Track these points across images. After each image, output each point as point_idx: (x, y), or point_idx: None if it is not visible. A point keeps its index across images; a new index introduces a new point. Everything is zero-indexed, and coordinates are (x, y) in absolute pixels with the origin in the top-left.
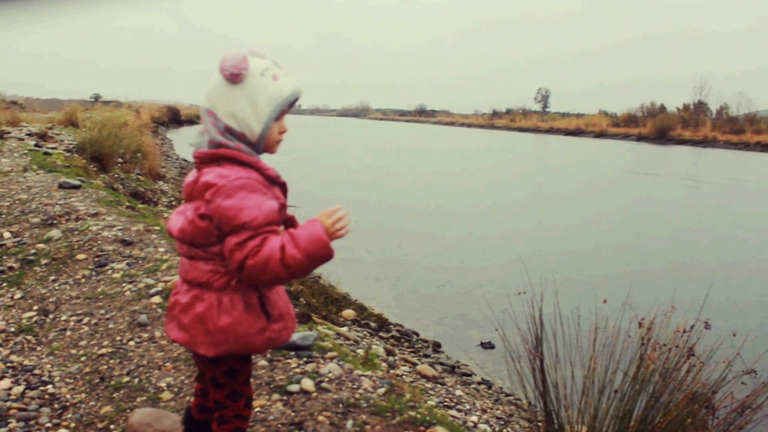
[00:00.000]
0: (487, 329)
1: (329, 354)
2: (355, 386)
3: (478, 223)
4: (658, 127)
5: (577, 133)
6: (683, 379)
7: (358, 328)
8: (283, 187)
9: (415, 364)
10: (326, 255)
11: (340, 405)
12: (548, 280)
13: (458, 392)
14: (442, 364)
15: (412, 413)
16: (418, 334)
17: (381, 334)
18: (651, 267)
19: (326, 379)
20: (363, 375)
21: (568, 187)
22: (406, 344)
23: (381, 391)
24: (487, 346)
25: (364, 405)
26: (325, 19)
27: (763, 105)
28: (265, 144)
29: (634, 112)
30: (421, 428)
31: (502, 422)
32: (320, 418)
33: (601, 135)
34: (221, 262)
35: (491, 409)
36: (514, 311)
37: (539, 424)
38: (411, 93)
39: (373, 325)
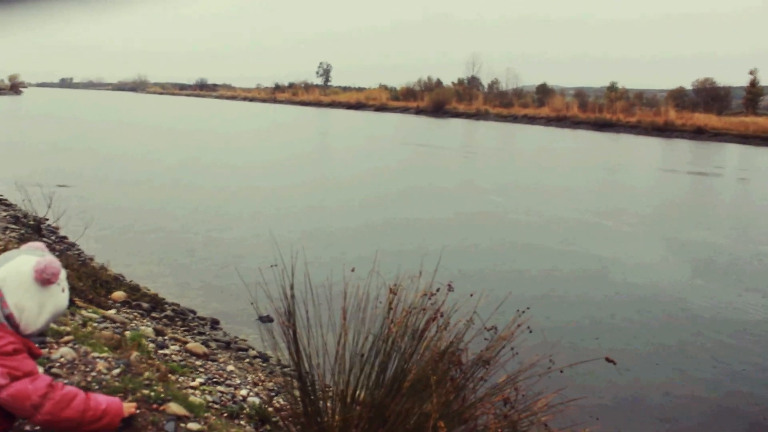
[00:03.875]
0: (263, 303)
1: (65, 338)
2: (88, 369)
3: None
4: (434, 101)
5: (358, 106)
6: (430, 338)
7: (129, 310)
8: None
9: (185, 343)
10: None
11: None
12: (305, 246)
13: (230, 367)
14: (216, 340)
15: (146, 392)
16: (195, 312)
17: (153, 314)
18: (403, 236)
19: (57, 364)
20: (99, 357)
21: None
22: (179, 323)
23: (116, 371)
24: (266, 319)
25: (96, 387)
26: None
27: (528, 81)
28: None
29: (413, 86)
30: (154, 406)
31: (273, 393)
32: None
33: (381, 108)
34: None
35: (263, 381)
36: (270, 283)
37: (296, 392)
38: (191, 66)
39: (145, 305)
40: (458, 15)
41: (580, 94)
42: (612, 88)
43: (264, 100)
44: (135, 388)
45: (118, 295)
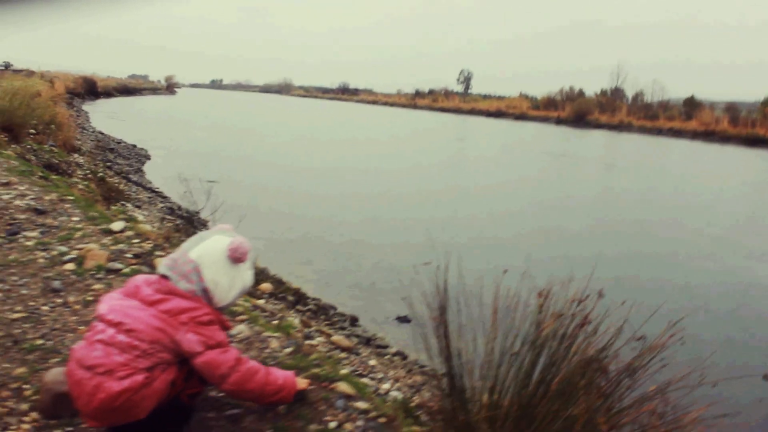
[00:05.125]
0: (403, 303)
1: (240, 317)
2: (263, 346)
3: (395, 200)
4: (576, 111)
5: (498, 114)
6: (579, 344)
7: (276, 301)
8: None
9: (330, 335)
10: None
11: None
12: (454, 250)
13: (372, 362)
14: (357, 336)
15: (317, 370)
16: (335, 308)
17: (298, 307)
18: (556, 243)
19: (235, 340)
20: (271, 336)
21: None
22: (323, 317)
23: (288, 350)
24: (403, 320)
25: (272, 362)
26: None
27: (675, 93)
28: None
29: (554, 96)
30: (325, 384)
31: (414, 390)
32: None
33: (521, 117)
34: (139, 357)
35: (404, 378)
36: (422, 282)
37: (444, 388)
38: (334, 71)
39: (290, 298)
40: (608, 21)
41: (732, 108)
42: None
43: (404, 106)
44: (306, 367)
45: (266, 286)
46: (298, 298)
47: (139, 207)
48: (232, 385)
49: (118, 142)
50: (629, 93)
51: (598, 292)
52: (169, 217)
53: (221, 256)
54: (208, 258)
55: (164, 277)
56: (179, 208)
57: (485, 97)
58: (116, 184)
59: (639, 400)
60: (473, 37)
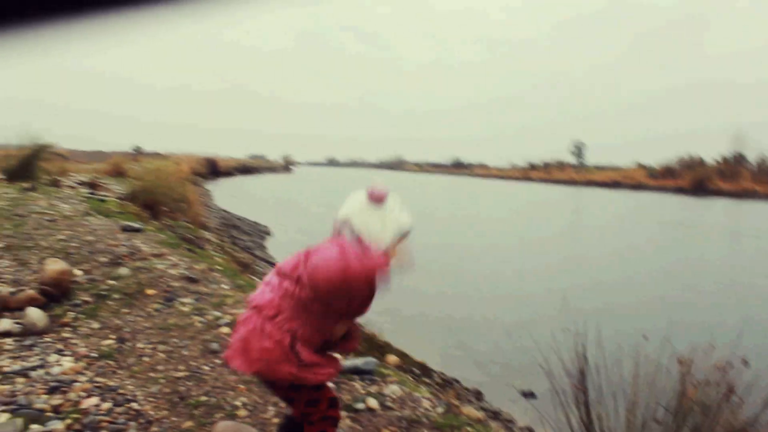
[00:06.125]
0: (528, 378)
1: (390, 378)
2: (415, 405)
3: (514, 275)
4: (695, 179)
5: (613, 185)
6: (724, 415)
7: (403, 373)
8: None
9: (458, 407)
10: None
11: (404, 421)
12: (585, 318)
13: None
14: (484, 409)
15: (470, 429)
16: (459, 382)
17: (424, 379)
18: (691, 308)
19: (389, 399)
20: (423, 397)
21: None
22: (449, 390)
23: (440, 410)
24: (528, 395)
25: (425, 421)
26: (358, 77)
27: None
28: None
29: (671, 165)
30: None
31: None
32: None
33: (638, 187)
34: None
35: None
36: (557, 348)
37: None
38: (444, 146)
39: (416, 371)
40: (722, 79)
41: None
42: None
43: (517, 179)
44: (459, 425)
45: (392, 359)
46: (423, 371)
47: None
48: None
49: (240, 219)
50: (751, 157)
51: (741, 359)
52: None
53: (363, 201)
54: (352, 209)
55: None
56: None
57: (599, 168)
58: (243, 259)
59: None
60: (584, 107)
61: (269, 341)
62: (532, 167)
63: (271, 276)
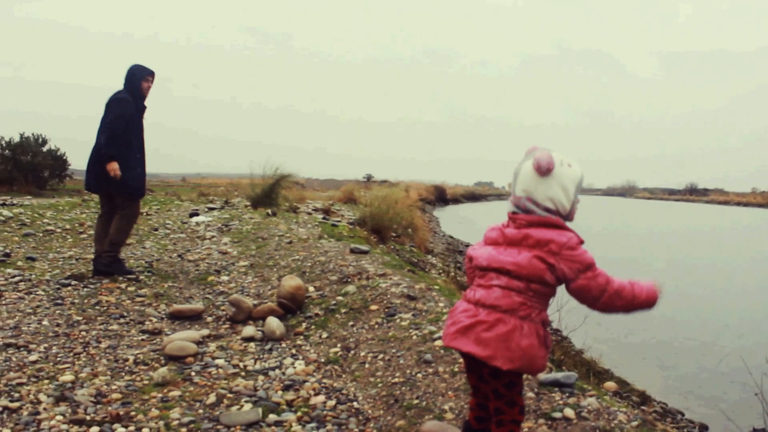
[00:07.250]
0: (759, 416)
1: (589, 393)
2: (610, 418)
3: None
4: None
5: None
6: None
7: (620, 400)
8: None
9: (654, 422)
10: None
11: (597, 430)
12: None
13: None
14: None
15: None
16: (683, 414)
17: (643, 407)
18: None
19: (585, 410)
20: (619, 411)
21: None
22: (669, 420)
23: (634, 423)
24: None
25: None
26: (585, 93)
27: None
28: (570, 215)
29: None
30: None
31: None
32: None
33: None
34: (533, 297)
35: None
36: None
37: None
38: (679, 168)
39: (635, 399)
40: None
41: None
42: None
43: (761, 205)
44: None
45: (610, 385)
46: (643, 400)
47: None
48: (602, 305)
49: (467, 245)
50: None
51: None
52: None
53: (535, 176)
54: (528, 185)
55: (512, 217)
56: None
57: None
58: (464, 282)
59: None
60: None
61: (530, 339)
62: None
63: (488, 275)
